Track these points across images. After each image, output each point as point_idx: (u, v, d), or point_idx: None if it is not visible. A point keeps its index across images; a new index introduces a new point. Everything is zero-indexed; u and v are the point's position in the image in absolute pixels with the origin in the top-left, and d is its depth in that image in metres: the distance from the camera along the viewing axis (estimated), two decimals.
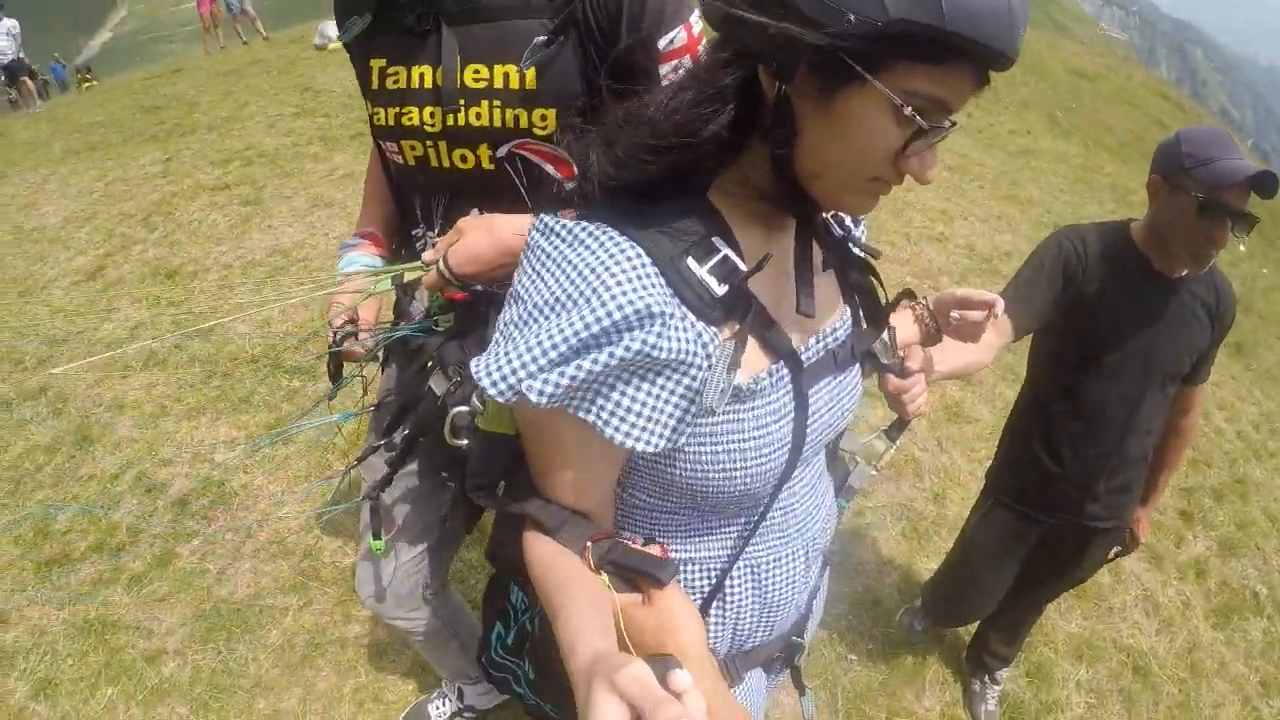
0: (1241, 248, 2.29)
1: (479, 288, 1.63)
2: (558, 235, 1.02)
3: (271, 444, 4.03)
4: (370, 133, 1.99)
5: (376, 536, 1.96)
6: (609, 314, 0.94)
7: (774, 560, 1.32)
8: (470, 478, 1.29)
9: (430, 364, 1.69)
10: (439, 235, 1.79)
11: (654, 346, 0.96)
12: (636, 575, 1.09)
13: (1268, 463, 5.42)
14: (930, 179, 1.03)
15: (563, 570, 1.08)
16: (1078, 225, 2.52)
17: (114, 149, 8.59)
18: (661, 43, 1.59)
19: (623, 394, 1.00)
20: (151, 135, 8.88)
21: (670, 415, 1.03)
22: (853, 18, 0.89)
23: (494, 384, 0.96)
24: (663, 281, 1.00)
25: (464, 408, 1.40)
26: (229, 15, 18.62)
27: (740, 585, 1.31)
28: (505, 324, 1.03)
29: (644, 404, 1.01)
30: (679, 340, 0.98)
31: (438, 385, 1.63)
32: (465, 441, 1.36)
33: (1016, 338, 2.40)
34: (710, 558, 1.28)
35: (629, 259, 0.98)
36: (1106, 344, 2.43)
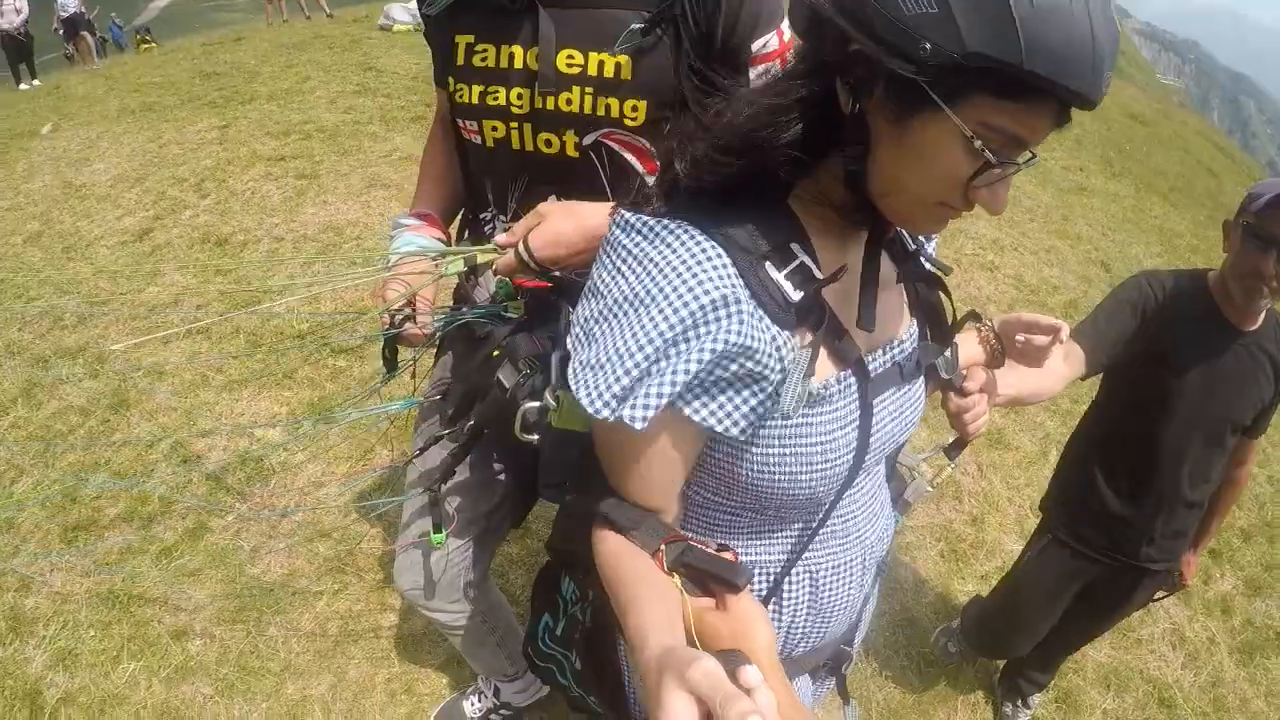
0: None
1: (557, 274, 1.61)
2: (638, 231, 1.04)
3: (314, 428, 3.99)
4: (437, 113, 1.97)
5: (437, 529, 1.92)
6: (686, 305, 0.96)
7: (833, 567, 1.34)
8: (540, 475, 1.31)
9: (498, 354, 1.65)
10: (511, 220, 1.78)
11: (737, 332, 0.97)
12: (711, 579, 1.10)
13: None
14: (1000, 210, 1.05)
15: (634, 568, 1.10)
16: (1158, 270, 2.55)
17: (170, 111, 8.57)
18: (755, 45, 1.61)
19: (705, 394, 1.03)
20: (210, 101, 8.86)
21: (744, 415, 1.05)
22: (928, 46, 0.89)
23: (595, 407, 0.99)
24: (741, 283, 1.01)
25: (535, 403, 1.41)
26: None
27: (797, 590, 1.33)
28: (585, 320, 1.05)
29: (724, 399, 1.04)
30: (759, 329, 1.00)
31: (507, 377, 1.61)
32: (535, 437, 1.36)
33: (1089, 373, 2.43)
34: (769, 561, 1.30)
35: (708, 257, 0.99)
36: (1172, 391, 2.44)
